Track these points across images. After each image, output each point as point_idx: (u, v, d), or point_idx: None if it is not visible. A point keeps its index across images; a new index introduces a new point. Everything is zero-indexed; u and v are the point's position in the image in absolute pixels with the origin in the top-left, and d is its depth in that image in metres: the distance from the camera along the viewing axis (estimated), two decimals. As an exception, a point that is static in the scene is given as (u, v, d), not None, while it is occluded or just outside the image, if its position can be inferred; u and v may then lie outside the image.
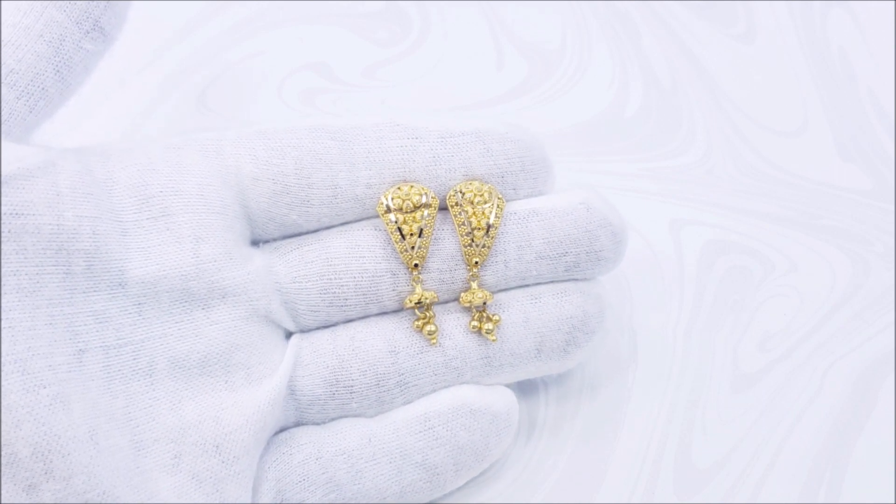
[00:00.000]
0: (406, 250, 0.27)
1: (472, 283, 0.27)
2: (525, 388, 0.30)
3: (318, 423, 0.27)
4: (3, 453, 0.21)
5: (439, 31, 0.43)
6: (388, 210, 0.27)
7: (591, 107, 0.40)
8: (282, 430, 0.27)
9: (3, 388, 0.21)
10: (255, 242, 0.27)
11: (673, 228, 0.36)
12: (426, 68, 0.41)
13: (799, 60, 0.41)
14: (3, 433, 0.21)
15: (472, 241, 0.27)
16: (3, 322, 0.21)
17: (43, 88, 0.25)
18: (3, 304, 0.21)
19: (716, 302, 0.33)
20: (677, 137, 0.39)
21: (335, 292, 0.27)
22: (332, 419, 0.27)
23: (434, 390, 0.27)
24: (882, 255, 0.35)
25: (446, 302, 0.28)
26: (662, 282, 0.34)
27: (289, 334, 0.28)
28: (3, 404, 0.21)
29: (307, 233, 0.27)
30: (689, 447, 0.30)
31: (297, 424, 0.27)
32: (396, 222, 0.26)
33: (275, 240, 0.28)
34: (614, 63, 0.41)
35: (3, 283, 0.22)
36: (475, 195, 0.27)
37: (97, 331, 0.23)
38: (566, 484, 0.29)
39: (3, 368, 0.21)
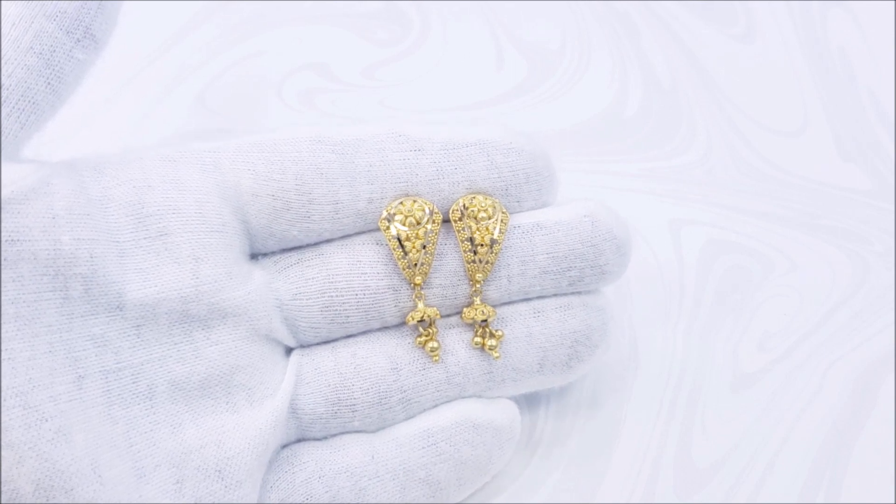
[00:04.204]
0: (408, 267, 0.26)
1: (474, 298, 0.27)
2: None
3: (319, 439, 0.27)
4: (4, 490, 0.20)
5: (439, 31, 0.43)
6: (391, 226, 0.26)
7: (591, 107, 0.40)
8: (283, 446, 0.26)
9: (4, 425, 0.20)
10: (253, 255, 0.27)
11: (673, 228, 0.36)
12: (426, 68, 0.41)
13: (799, 60, 0.41)
14: (4, 470, 0.20)
15: (476, 257, 0.27)
16: (2, 353, 0.21)
17: (34, 103, 0.23)
18: (2, 335, 0.21)
19: (716, 302, 0.33)
20: (677, 137, 0.39)
21: (337, 310, 0.26)
22: (334, 435, 0.27)
23: (436, 405, 0.27)
24: (882, 255, 0.35)
25: (448, 316, 0.28)
26: (662, 282, 0.34)
27: (288, 350, 0.27)
28: (4, 441, 0.20)
29: (307, 246, 0.27)
30: (689, 447, 0.30)
31: (299, 440, 0.27)
32: (399, 239, 0.26)
33: (273, 253, 0.27)
34: (614, 63, 0.41)
35: (1, 312, 0.21)
36: (479, 210, 0.26)
37: (96, 355, 0.23)
38: (567, 484, 0.29)
39: (4, 403, 0.20)
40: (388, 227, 0.26)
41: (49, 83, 0.24)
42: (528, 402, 0.30)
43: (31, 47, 0.23)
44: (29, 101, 0.23)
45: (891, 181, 0.37)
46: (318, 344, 0.27)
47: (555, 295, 0.28)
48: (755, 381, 0.31)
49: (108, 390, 0.23)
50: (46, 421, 0.21)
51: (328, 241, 0.27)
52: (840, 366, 0.32)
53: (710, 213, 0.36)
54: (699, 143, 0.38)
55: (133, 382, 0.24)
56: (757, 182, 0.37)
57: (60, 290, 0.22)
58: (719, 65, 0.41)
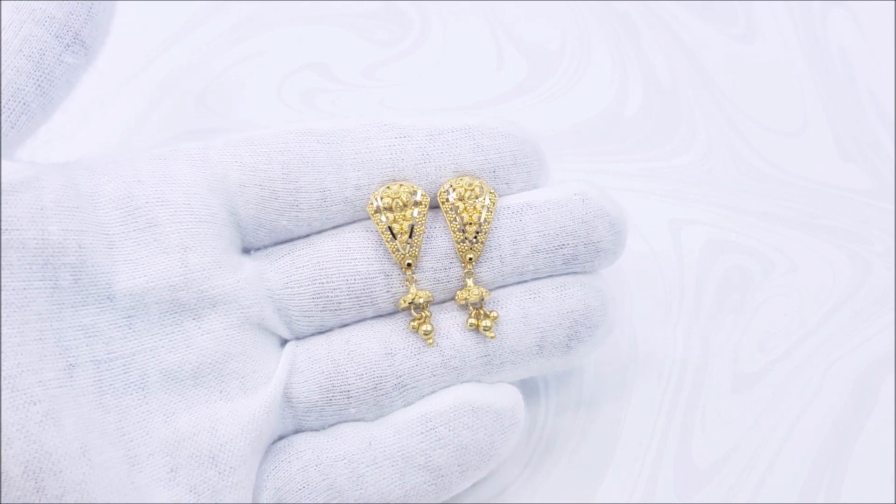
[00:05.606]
0: (398, 250, 0.26)
1: (467, 280, 0.27)
2: (525, 390, 0.30)
3: (316, 429, 0.27)
4: None
5: (439, 30, 0.42)
6: (378, 210, 0.26)
7: (591, 107, 0.40)
8: (280, 437, 0.26)
9: None
10: (246, 250, 0.27)
11: (673, 228, 0.36)
12: (426, 68, 0.41)
13: (799, 60, 0.41)
14: None
15: (465, 237, 0.27)
16: None
17: (24, 104, 0.24)
18: None
19: (716, 302, 0.33)
20: (677, 137, 0.39)
21: (328, 296, 0.27)
22: (331, 425, 0.27)
23: (434, 391, 0.27)
24: (882, 255, 0.35)
25: (443, 302, 0.28)
26: (662, 282, 0.34)
27: (284, 342, 0.27)
28: None
29: (298, 238, 0.27)
30: (689, 447, 0.30)
31: (296, 432, 0.27)
32: (387, 221, 0.26)
33: (266, 247, 0.27)
34: (614, 63, 0.41)
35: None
36: (466, 190, 0.27)
37: (87, 345, 0.23)
38: (566, 483, 0.29)
39: None
40: (375, 212, 0.26)
41: (39, 86, 0.24)
42: (528, 401, 0.30)
43: (21, 50, 0.24)
44: (19, 102, 0.24)
45: (891, 181, 0.37)
46: (312, 334, 0.27)
47: (550, 276, 0.28)
48: (755, 381, 0.31)
49: (100, 380, 0.23)
50: (35, 404, 0.21)
51: (319, 231, 0.27)
52: (840, 366, 0.32)
53: (710, 213, 0.36)
54: (699, 143, 0.38)
55: (125, 372, 0.24)
56: (757, 182, 0.37)
57: (50, 280, 0.23)
58: (719, 65, 0.41)
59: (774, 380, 0.31)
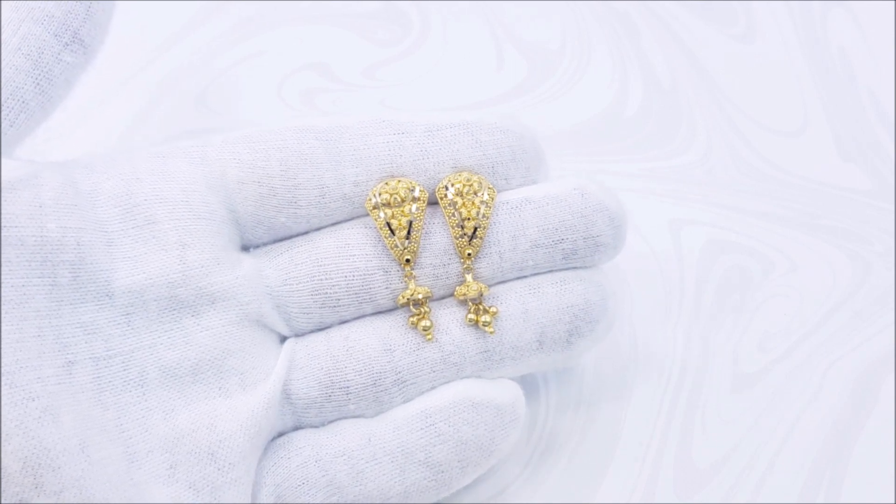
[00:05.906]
0: (396, 246, 0.26)
1: (466, 275, 0.27)
2: (525, 389, 0.30)
3: (316, 426, 0.27)
4: None
5: (439, 31, 0.43)
6: (377, 206, 0.26)
7: (591, 107, 0.40)
8: (279, 434, 0.27)
9: None
10: (245, 248, 0.27)
11: (672, 228, 0.36)
12: (426, 68, 0.41)
13: (799, 60, 0.41)
14: None
15: (464, 232, 0.27)
16: None
17: (23, 102, 0.24)
18: None
19: (716, 302, 0.33)
20: (677, 137, 0.39)
21: (327, 293, 0.27)
22: (331, 421, 0.27)
23: (433, 387, 0.27)
24: (882, 255, 0.35)
25: (442, 298, 0.27)
26: (662, 282, 0.34)
27: (283, 339, 0.27)
28: None
29: (297, 235, 0.27)
30: (689, 447, 0.30)
31: (296, 429, 0.27)
32: (385, 218, 0.26)
33: (265, 244, 0.27)
34: (614, 63, 0.41)
35: None
36: (464, 186, 0.26)
37: (86, 342, 0.23)
38: (566, 483, 0.29)
39: None
40: (373, 208, 0.26)
41: (38, 84, 0.24)
42: (528, 401, 0.30)
43: (19, 48, 0.24)
44: (18, 101, 0.24)
45: (891, 181, 0.37)
46: (311, 331, 0.27)
47: (550, 271, 0.28)
48: (755, 381, 0.31)
49: (99, 377, 0.23)
50: (33, 400, 0.21)
51: (318, 228, 0.27)
52: (840, 366, 0.32)
53: (710, 213, 0.36)
54: (699, 143, 0.38)
55: (124, 369, 0.24)
56: (757, 182, 0.37)
57: (48, 277, 0.23)
58: (719, 65, 0.41)
59: (774, 380, 0.31)
